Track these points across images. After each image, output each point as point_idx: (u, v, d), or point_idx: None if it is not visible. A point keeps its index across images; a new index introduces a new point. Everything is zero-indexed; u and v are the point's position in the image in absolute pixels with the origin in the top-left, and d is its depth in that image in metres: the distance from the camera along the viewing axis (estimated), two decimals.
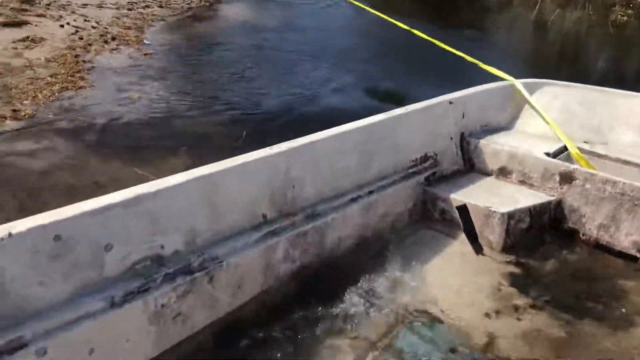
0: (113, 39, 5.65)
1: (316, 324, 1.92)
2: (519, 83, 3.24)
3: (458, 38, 7.50)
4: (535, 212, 2.59)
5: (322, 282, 2.14)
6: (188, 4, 7.92)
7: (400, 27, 4.59)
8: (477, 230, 2.51)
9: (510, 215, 2.47)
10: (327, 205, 2.23)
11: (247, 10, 8.28)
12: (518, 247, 2.50)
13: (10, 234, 1.37)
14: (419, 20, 9.09)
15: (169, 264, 1.71)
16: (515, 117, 3.24)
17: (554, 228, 2.66)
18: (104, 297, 1.53)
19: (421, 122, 2.69)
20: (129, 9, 6.89)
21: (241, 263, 1.88)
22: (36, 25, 5.53)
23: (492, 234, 2.48)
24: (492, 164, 2.89)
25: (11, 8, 5.76)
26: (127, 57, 5.27)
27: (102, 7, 6.71)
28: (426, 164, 2.73)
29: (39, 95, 4.08)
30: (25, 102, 3.94)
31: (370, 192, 2.41)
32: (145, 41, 5.83)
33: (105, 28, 5.92)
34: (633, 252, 2.48)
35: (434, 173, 2.75)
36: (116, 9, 6.80)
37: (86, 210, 1.52)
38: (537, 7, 12.24)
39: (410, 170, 2.64)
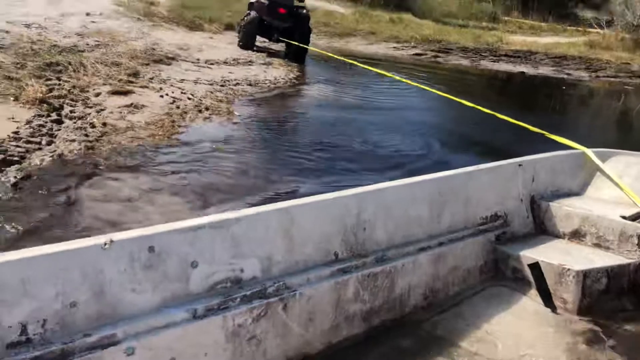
0: (206, 109, 6.10)
1: None
2: (590, 151, 3.25)
3: (541, 120, 7.51)
4: (613, 274, 2.50)
5: (391, 328, 2.18)
6: (274, 83, 8.43)
7: (464, 104, 4.72)
8: (551, 288, 2.45)
9: (586, 274, 2.40)
10: (398, 251, 2.25)
11: (327, 90, 8.72)
12: (595, 309, 2.40)
13: (112, 241, 1.53)
14: (505, 105, 9.27)
15: (247, 287, 1.80)
16: (586, 184, 3.23)
17: (633, 292, 2.55)
18: (187, 309, 1.63)
19: (491, 181, 2.73)
20: (222, 85, 7.43)
21: (314, 295, 1.94)
22: (140, 95, 6.09)
23: (567, 293, 2.41)
24: (565, 227, 2.86)
25: (119, 79, 6.39)
26: (218, 124, 5.67)
27: (197, 83, 7.29)
28: (496, 223, 2.74)
29: None
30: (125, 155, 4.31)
31: (441, 244, 2.42)
32: (235, 112, 6.25)
33: (200, 100, 6.41)
34: None
35: (504, 232, 2.75)
36: (210, 84, 7.35)
37: (178, 228, 1.67)
38: (622, 98, 12.07)
39: (481, 228, 2.65)
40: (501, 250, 2.67)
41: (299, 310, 1.90)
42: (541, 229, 2.94)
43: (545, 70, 15.77)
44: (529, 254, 2.57)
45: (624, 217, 2.72)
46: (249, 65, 9.56)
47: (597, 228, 2.73)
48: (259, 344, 1.80)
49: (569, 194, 3.13)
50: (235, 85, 7.68)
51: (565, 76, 15.23)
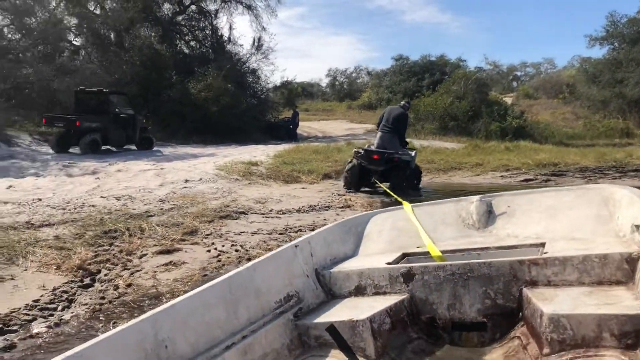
0: (248, 259, 6.00)
1: None
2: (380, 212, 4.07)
3: None
4: (392, 312, 2.87)
5: None
6: None
7: None
8: (349, 343, 2.68)
9: (372, 320, 2.73)
10: (205, 356, 2.37)
11: None
12: (389, 348, 2.76)
13: None
14: None
15: None
16: (358, 245, 3.79)
17: (414, 323, 2.97)
18: None
19: (275, 267, 3.05)
20: (281, 234, 7.38)
21: None
22: (185, 252, 6.19)
23: (363, 342, 2.70)
24: (349, 287, 3.25)
25: (173, 239, 6.59)
26: None
27: (256, 234, 7.32)
28: (291, 302, 3.03)
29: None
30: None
31: (244, 337, 2.60)
32: None
33: (247, 251, 6.36)
34: (480, 319, 2.85)
35: (300, 308, 3.05)
36: (269, 234, 7.34)
37: None
38: None
39: (278, 311, 2.91)
40: (301, 325, 2.93)
41: None
42: (331, 295, 3.29)
43: None
44: (324, 320, 2.86)
45: (388, 263, 3.23)
46: (325, 210, 9.55)
47: (372, 279, 3.16)
48: None
49: (345, 258, 3.61)
50: (296, 232, 7.59)
51: None
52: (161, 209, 8.55)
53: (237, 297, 2.69)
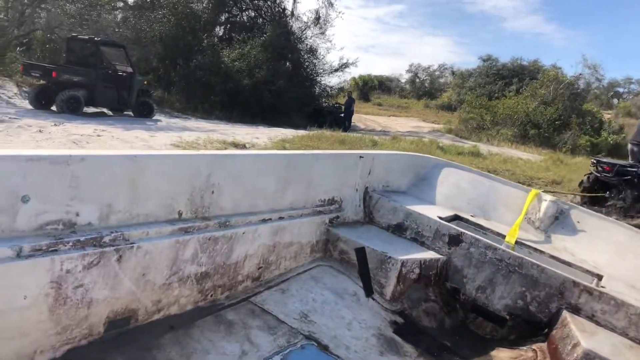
0: None
1: (207, 336, 1.96)
2: (434, 158, 3.84)
3: None
4: (424, 266, 2.83)
5: (222, 295, 2.22)
6: None
7: None
8: (371, 273, 2.72)
9: (404, 263, 2.74)
10: (241, 218, 2.34)
11: None
12: (405, 296, 2.73)
13: None
14: None
15: (81, 233, 1.73)
16: (414, 185, 3.66)
17: (437, 285, 2.90)
18: (11, 246, 1.55)
19: (334, 167, 3.04)
20: None
21: (151, 251, 1.94)
22: None
23: (385, 278, 2.73)
24: (390, 220, 3.23)
25: None
26: None
27: None
28: (332, 207, 3.04)
29: None
30: None
31: (281, 218, 2.62)
32: None
33: None
34: (503, 314, 2.80)
35: (337, 217, 3.06)
36: None
37: (10, 155, 1.55)
38: None
39: (318, 209, 2.91)
40: (333, 233, 2.95)
41: (133, 264, 1.87)
42: (370, 218, 3.28)
43: None
44: (357, 239, 2.87)
45: (440, 218, 3.14)
46: None
47: (417, 224, 3.11)
48: (85, 294, 1.72)
49: (398, 191, 3.53)
50: None
51: None
52: None
53: (290, 177, 2.64)
